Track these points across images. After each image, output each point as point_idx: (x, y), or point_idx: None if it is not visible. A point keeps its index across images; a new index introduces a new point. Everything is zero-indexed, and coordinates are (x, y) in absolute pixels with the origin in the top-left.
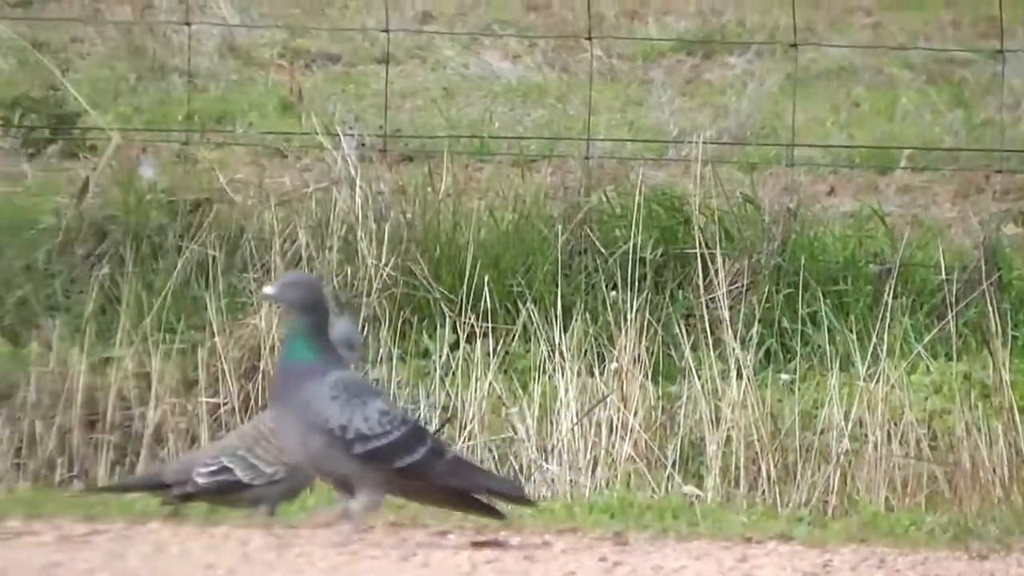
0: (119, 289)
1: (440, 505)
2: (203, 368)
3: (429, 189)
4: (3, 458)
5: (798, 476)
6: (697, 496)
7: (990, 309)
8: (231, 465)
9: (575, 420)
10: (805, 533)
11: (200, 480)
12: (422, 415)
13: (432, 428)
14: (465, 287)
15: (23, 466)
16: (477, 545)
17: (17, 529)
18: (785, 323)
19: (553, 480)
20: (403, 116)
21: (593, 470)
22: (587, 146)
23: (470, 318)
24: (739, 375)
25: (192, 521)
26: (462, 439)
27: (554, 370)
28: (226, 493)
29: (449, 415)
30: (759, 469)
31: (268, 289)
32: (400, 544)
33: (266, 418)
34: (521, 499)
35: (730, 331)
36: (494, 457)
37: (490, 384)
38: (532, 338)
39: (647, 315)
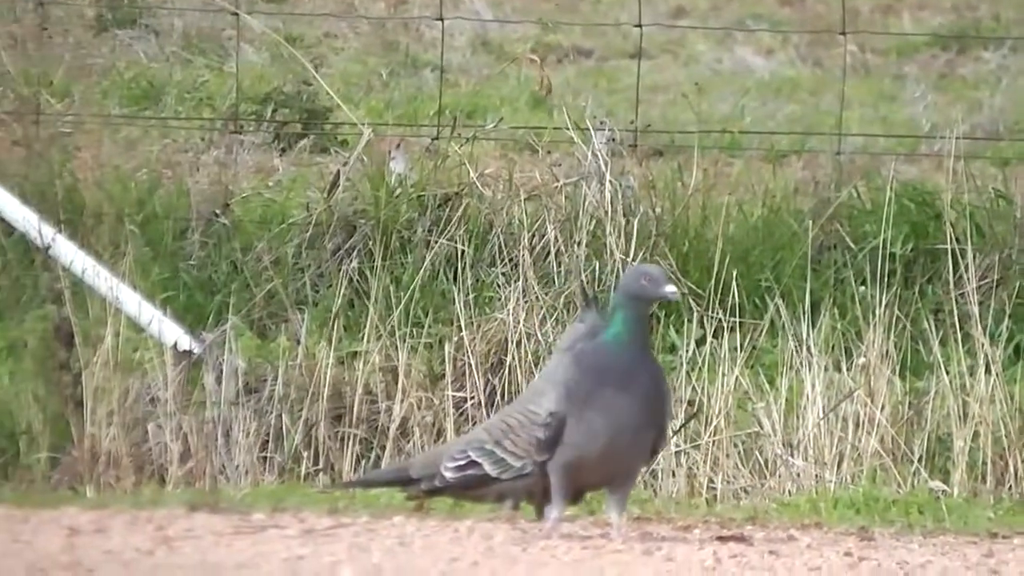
0: (367, 283)
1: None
2: (449, 362)
3: (679, 184)
4: (250, 451)
5: None
6: (943, 491)
7: None
8: (479, 459)
9: (821, 415)
10: None
11: (447, 474)
12: None
13: (678, 423)
14: (713, 282)
15: (269, 459)
16: (722, 540)
17: (263, 522)
18: None
19: (799, 475)
20: (654, 111)
21: (839, 465)
22: (839, 141)
23: (717, 312)
24: (988, 370)
25: (436, 515)
26: (708, 434)
27: (801, 365)
28: (473, 487)
29: (695, 410)
30: (1006, 464)
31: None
32: (643, 538)
33: (514, 410)
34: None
35: (979, 326)
36: (739, 452)
37: (736, 379)
38: (779, 333)
39: (895, 310)
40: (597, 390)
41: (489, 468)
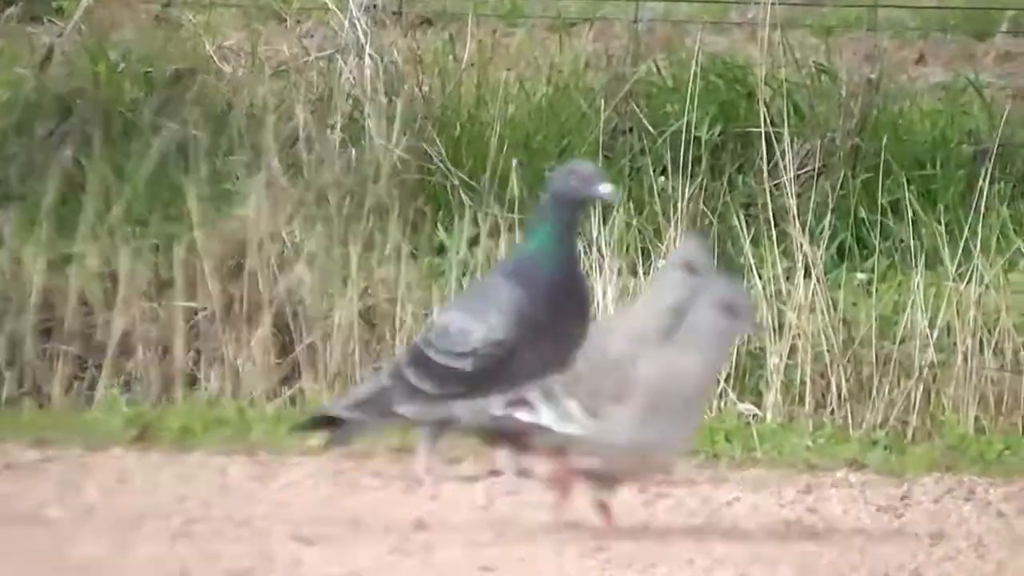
0: (84, 175)
1: None
2: (179, 267)
3: (450, 58)
4: None
5: (873, 393)
6: (754, 416)
7: None
8: (536, 403)
9: None
10: (880, 459)
11: (497, 414)
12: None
13: None
14: (489, 172)
15: None
16: (495, 474)
17: None
18: (862, 214)
19: None
20: None
21: None
22: (635, 8)
23: (494, 208)
24: (807, 274)
25: (162, 447)
26: None
27: (590, 268)
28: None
29: None
30: (828, 385)
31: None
32: (405, 473)
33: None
34: None
35: (797, 223)
36: None
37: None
38: None
39: (701, 204)
40: (545, 314)
41: (546, 416)
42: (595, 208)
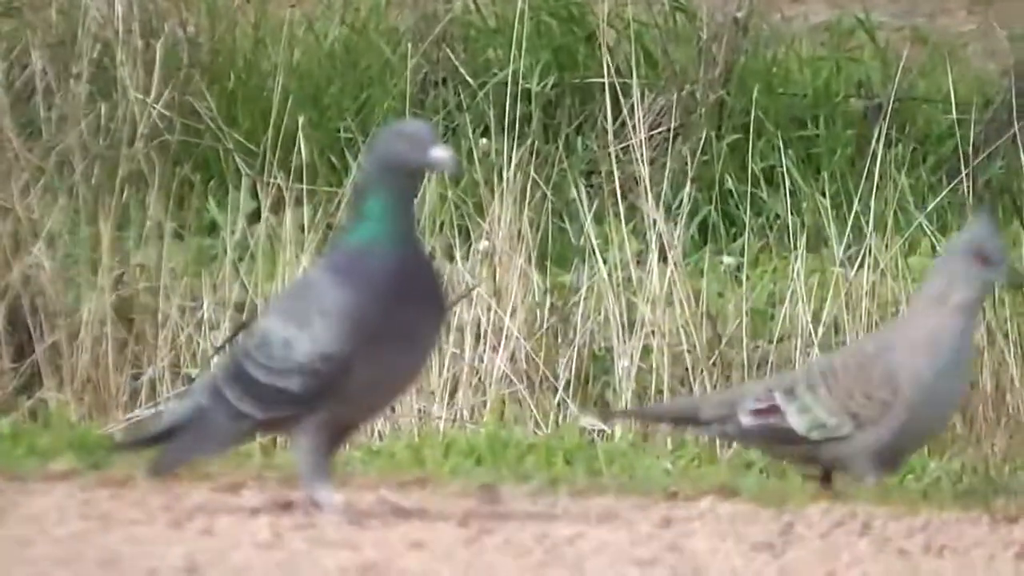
0: None
1: None
2: None
3: None
4: None
5: None
6: (601, 432)
7: (1023, 162)
8: (784, 406)
9: None
10: (756, 486)
11: (745, 420)
12: (205, 315)
13: (221, 337)
14: (271, 133)
15: None
16: (284, 506)
17: None
18: (729, 184)
19: (394, 410)
20: None
21: (451, 395)
22: None
23: (277, 177)
24: (663, 258)
25: None
26: None
27: None
28: (776, 442)
29: (245, 318)
30: (690, 392)
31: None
32: (172, 503)
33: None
34: None
35: (650, 196)
36: None
37: (305, 272)
38: None
39: (531, 172)
40: (384, 315)
41: (794, 420)
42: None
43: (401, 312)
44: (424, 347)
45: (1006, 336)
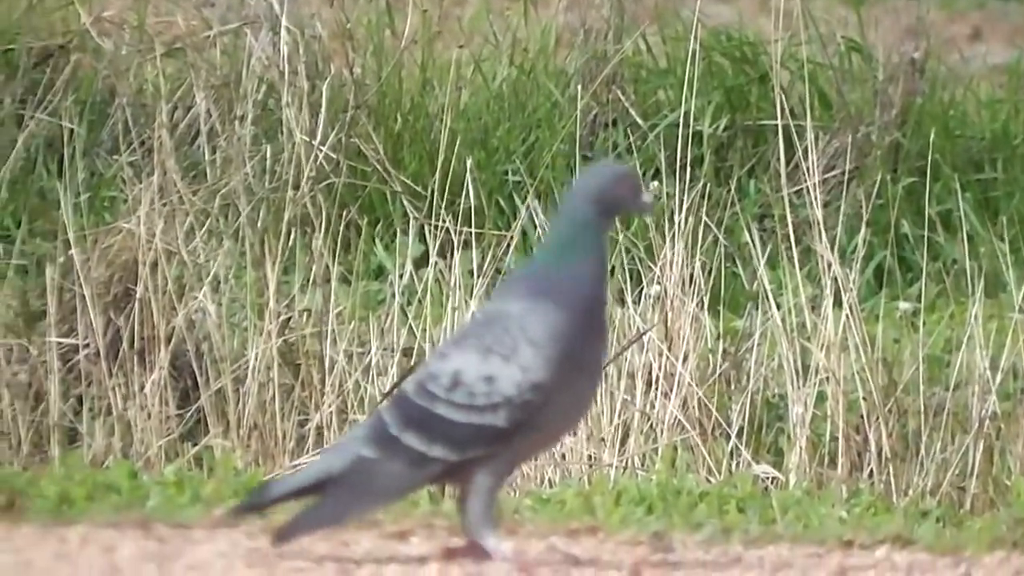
0: None
1: None
2: (53, 293)
3: (387, 32)
4: None
5: (922, 451)
6: (774, 480)
7: None
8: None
9: None
10: (932, 535)
11: None
12: (372, 361)
13: (388, 383)
14: (438, 175)
15: None
16: (450, 553)
17: None
18: (905, 228)
19: (564, 457)
20: None
21: (622, 442)
22: None
23: (445, 221)
24: (837, 303)
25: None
26: None
27: None
28: None
29: (413, 363)
30: (865, 441)
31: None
32: (340, 552)
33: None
34: None
35: (825, 239)
36: None
37: (473, 315)
38: (535, 249)
39: (703, 215)
40: (586, 345)
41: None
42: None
43: (592, 341)
44: (599, 376)
45: None
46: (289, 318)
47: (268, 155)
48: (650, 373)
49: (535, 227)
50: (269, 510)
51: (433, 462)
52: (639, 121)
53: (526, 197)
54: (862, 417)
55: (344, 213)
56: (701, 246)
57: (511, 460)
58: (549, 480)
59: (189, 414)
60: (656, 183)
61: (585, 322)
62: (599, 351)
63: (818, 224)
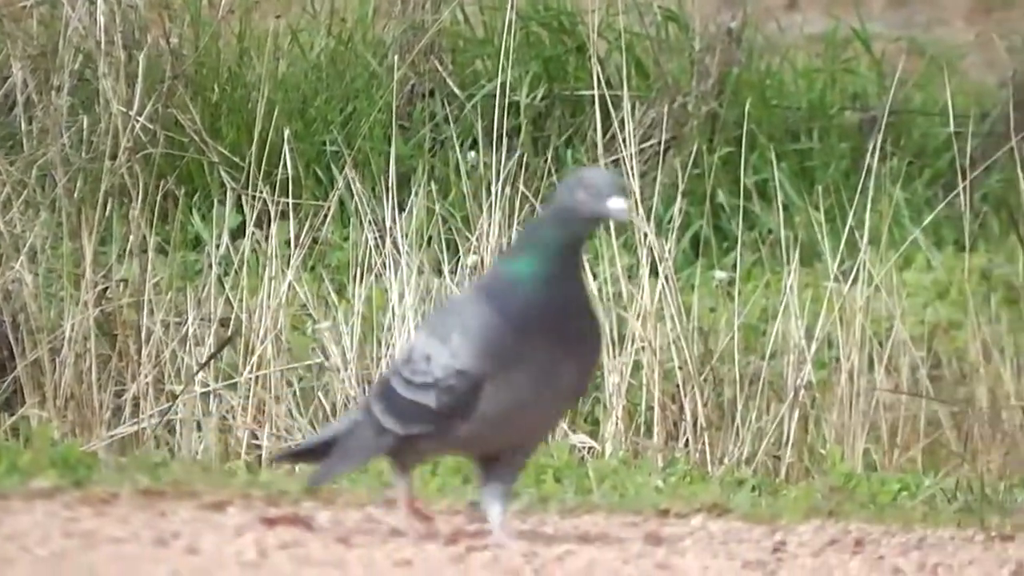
0: None
1: None
2: None
3: (205, 2)
4: None
5: (737, 420)
6: (590, 449)
7: (1021, 176)
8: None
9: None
10: (748, 503)
11: None
12: (189, 331)
13: (205, 353)
14: (256, 146)
15: None
16: (269, 523)
17: None
18: (721, 198)
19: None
20: None
21: None
22: None
23: (262, 191)
24: (654, 273)
25: None
26: (248, 368)
27: (384, 266)
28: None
29: (230, 333)
30: (681, 410)
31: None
32: (157, 522)
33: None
34: None
35: (641, 209)
36: (295, 393)
37: (290, 287)
38: (352, 220)
39: (520, 186)
40: (523, 344)
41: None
42: (388, 191)
43: (542, 347)
44: (564, 389)
45: (1001, 352)
46: (106, 288)
47: (85, 126)
48: None
49: (352, 197)
50: (301, 461)
51: (386, 433)
52: (456, 91)
53: (343, 167)
54: (678, 386)
55: (161, 183)
56: (518, 216)
57: (460, 446)
58: None
59: (5, 384)
60: (473, 153)
61: (526, 325)
62: (553, 360)
63: (634, 194)
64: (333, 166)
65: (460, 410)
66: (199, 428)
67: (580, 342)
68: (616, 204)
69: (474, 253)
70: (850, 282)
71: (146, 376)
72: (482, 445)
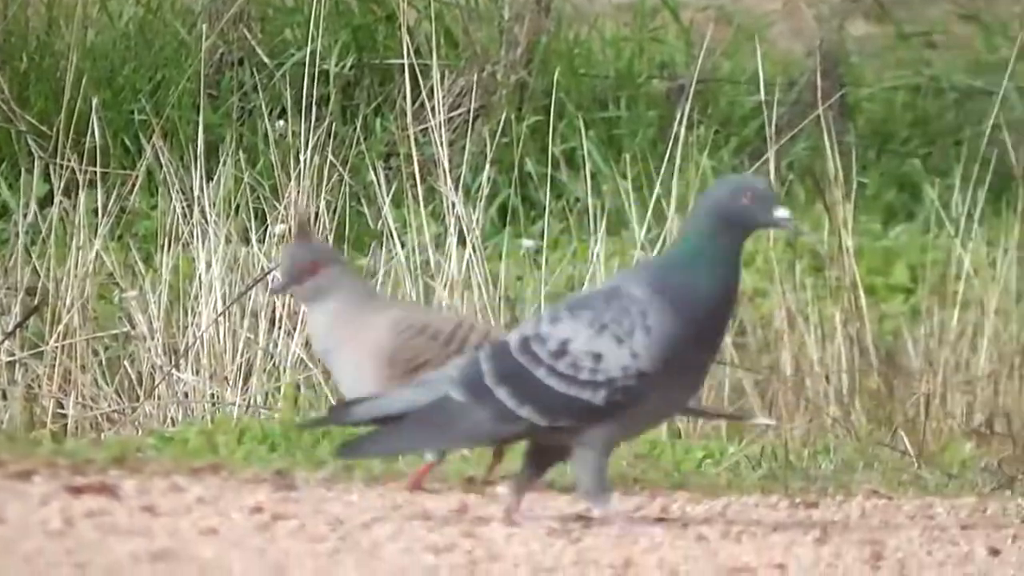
0: None
1: None
2: None
3: None
4: None
5: None
6: None
7: (827, 144)
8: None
9: (221, 308)
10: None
11: None
12: None
13: (11, 322)
14: (64, 115)
15: None
16: (75, 491)
17: None
18: (529, 166)
19: (187, 396)
20: None
21: (245, 381)
22: None
23: (70, 160)
24: (461, 242)
25: None
26: (54, 337)
27: (192, 235)
28: None
29: (36, 302)
30: None
31: None
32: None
33: None
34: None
35: (449, 178)
36: (101, 363)
37: (97, 255)
38: (160, 189)
39: (329, 155)
40: (693, 349)
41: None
42: (196, 160)
43: (704, 352)
44: (702, 376)
45: (806, 320)
46: None
47: None
48: (273, 312)
49: (160, 167)
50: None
51: (520, 421)
52: (266, 60)
53: (152, 136)
54: None
55: None
56: (326, 185)
57: (603, 436)
58: (172, 419)
59: None
60: (282, 122)
61: (697, 331)
62: (705, 361)
63: (443, 163)
64: (141, 135)
65: (626, 409)
66: (4, 397)
67: (719, 337)
68: (783, 214)
69: (282, 222)
70: (657, 249)
71: None
72: (621, 435)
